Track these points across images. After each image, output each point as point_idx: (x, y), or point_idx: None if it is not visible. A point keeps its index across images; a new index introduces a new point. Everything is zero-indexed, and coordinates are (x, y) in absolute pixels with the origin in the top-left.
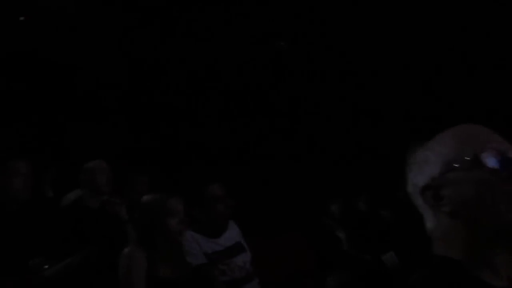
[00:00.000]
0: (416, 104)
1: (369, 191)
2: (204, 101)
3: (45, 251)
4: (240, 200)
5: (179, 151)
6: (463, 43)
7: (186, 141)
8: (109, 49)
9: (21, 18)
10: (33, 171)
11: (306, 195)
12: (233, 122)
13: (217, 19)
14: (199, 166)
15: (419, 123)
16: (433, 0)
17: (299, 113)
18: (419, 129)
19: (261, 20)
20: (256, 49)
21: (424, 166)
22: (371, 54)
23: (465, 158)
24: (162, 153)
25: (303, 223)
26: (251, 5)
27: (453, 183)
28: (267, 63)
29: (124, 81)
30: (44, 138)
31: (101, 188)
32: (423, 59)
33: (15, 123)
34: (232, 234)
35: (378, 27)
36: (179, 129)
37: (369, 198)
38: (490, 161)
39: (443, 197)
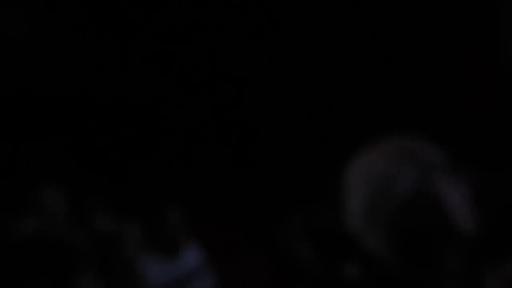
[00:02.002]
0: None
1: (328, 202)
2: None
3: None
4: (200, 220)
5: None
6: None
7: (137, 156)
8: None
9: None
10: None
11: (264, 209)
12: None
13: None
14: (154, 183)
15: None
16: None
17: (248, 122)
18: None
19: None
20: None
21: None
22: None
23: (415, 174)
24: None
25: (265, 240)
26: None
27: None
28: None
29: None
30: None
31: (54, 216)
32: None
33: None
34: (191, 258)
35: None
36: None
37: (329, 211)
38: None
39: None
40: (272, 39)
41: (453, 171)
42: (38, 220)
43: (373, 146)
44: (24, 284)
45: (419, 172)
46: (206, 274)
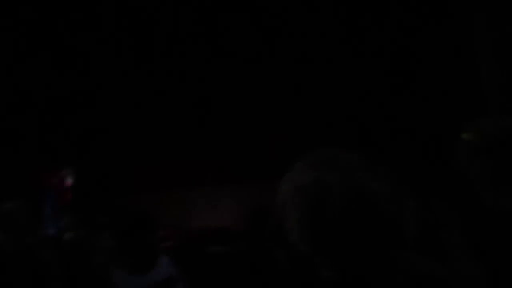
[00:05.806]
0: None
1: None
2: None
3: None
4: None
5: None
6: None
7: (112, 170)
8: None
9: None
10: None
11: (239, 214)
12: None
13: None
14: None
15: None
16: None
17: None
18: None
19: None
20: None
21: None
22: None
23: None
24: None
25: (240, 246)
26: None
27: None
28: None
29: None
30: None
31: (20, 230)
32: None
33: None
34: (162, 269)
35: None
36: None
37: None
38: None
39: None
40: None
41: (372, 167)
42: (4, 233)
43: (299, 161)
44: None
45: (342, 173)
46: (176, 284)
